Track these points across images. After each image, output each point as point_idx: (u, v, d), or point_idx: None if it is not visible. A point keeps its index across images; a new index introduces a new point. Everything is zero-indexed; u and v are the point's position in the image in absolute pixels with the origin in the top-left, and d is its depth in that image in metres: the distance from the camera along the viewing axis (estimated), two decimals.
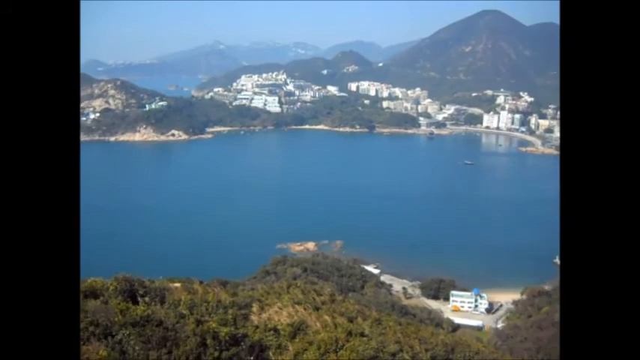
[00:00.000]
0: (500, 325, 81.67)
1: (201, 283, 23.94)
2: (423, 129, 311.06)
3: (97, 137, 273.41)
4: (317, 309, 22.59)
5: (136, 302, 17.71)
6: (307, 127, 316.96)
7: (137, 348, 12.62)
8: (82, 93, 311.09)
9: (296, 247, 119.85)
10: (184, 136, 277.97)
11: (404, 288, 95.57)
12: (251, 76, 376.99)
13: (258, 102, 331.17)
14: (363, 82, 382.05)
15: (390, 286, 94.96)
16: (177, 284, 22.63)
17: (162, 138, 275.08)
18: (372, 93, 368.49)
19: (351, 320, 21.85)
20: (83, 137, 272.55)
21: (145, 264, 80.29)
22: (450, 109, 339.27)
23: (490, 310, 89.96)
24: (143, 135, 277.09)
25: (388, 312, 45.17)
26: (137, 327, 13.73)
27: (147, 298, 18.19)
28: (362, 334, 18.74)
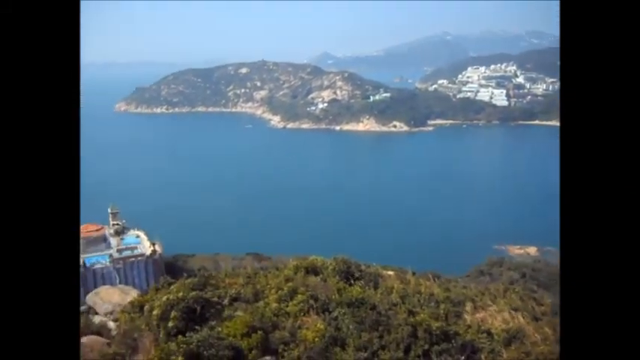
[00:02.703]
0: None
1: (413, 274, 23.91)
2: None
3: (323, 126, 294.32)
4: (536, 319, 20.77)
5: (351, 284, 18.43)
6: (537, 122, 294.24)
7: (351, 327, 13.07)
8: (313, 84, 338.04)
9: (515, 250, 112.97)
10: (405, 128, 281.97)
11: None
12: (478, 68, 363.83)
13: (483, 95, 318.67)
14: None
15: None
16: (391, 272, 22.95)
17: (384, 129, 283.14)
18: None
19: None
20: (311, 125, 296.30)
21: (360, 248, 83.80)
22: None
23: None
24: (366, 125, 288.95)
25: None
26: (352, 307, 14.22)
27: (361, 282, 18.76)
28: None
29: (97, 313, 23.42)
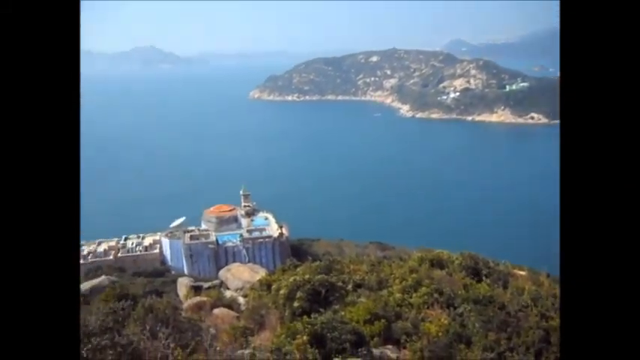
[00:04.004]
0: None
1: (548, 276, 22.41)
2: None
3: (454, 116, 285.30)
4: None
5: (478, 280, 17.71)
6: None
7: (477, 325, 12.53)
8: (445, 72, 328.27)
9: None
10: (544, 120, 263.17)
11: None
12: None
13: None
14: None
15: None
16: (522, 272, 21.73)
17: (520, 120, 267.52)
18: None
19: None
20: (441, 115, 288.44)
21: (489, 244, 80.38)
22: None
23: None
24: (500, 116, 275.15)
25: None
26: (479, 305, 13.65)
27: (489, 280, 17.97)
28: None
29: (227, 288, 24.88)
